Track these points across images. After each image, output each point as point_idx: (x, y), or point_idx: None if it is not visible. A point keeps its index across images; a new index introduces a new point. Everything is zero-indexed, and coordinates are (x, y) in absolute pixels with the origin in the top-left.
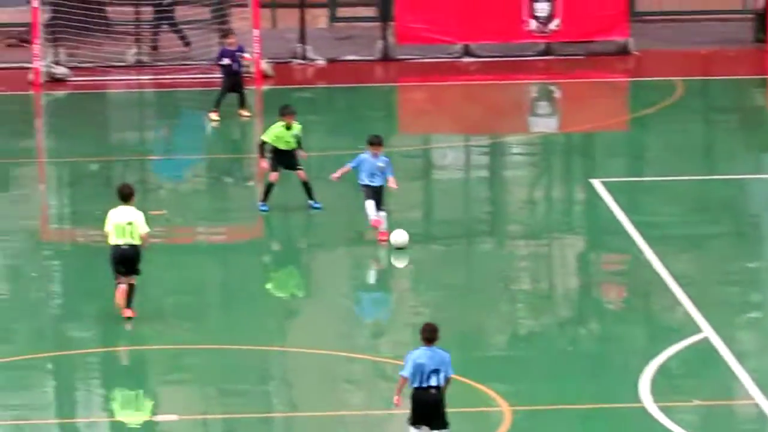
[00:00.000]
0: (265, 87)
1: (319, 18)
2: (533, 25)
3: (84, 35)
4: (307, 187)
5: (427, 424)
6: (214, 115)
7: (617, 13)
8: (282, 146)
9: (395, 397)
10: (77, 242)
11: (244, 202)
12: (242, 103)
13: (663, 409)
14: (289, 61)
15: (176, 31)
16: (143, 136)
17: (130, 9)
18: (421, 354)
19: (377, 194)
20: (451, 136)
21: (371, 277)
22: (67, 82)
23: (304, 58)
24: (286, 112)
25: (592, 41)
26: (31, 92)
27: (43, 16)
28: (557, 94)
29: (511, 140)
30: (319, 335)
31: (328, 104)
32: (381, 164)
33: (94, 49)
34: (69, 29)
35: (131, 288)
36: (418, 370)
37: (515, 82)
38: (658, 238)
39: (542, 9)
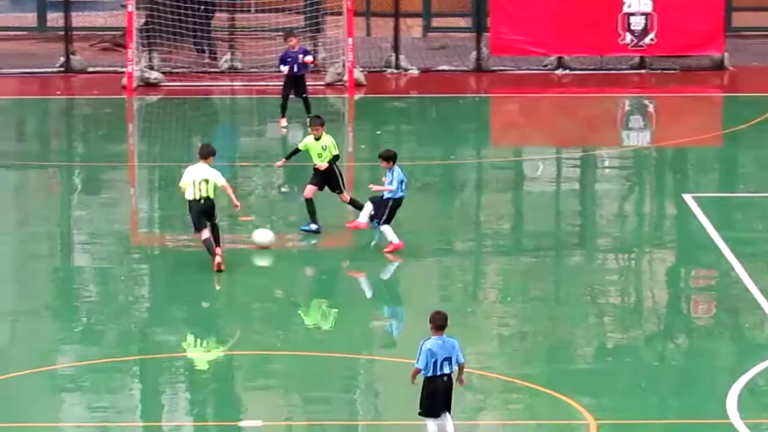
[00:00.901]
0: (358, 96)
1: (413, 27)
2: (628, 38)
3: (178, 41)
4: (355, 205)
5: (441, 412)
6: (283, 122)
7: (713, 28)
8: (315, 159)
9: (412, 382)
10: (166, 246)
11: (331, 209)
12: (308, 110)
13: (750, 426)
14: (383, 70)
15: (204, 42)
16: (233, 142)
17: (224, 15)
18: (432, 343)
19: (382, 207)
20: (542, 148)
21: (459, 288)
22: (160, 87)
23: (397, 67)
24: (313, 123)
25: (687, 56)
26: (124, 96)
27: (138, 20)
28: (651, 108)
29: (604, 153)
30: (405, 344)
31: (419, 114)
32: (385, 178)
33: (187, 55)
34: (163, 34)
35: (215, 228)
36: (432, 359)
37: (608, 95)
38: (749, 254)
39: (638, 23)
